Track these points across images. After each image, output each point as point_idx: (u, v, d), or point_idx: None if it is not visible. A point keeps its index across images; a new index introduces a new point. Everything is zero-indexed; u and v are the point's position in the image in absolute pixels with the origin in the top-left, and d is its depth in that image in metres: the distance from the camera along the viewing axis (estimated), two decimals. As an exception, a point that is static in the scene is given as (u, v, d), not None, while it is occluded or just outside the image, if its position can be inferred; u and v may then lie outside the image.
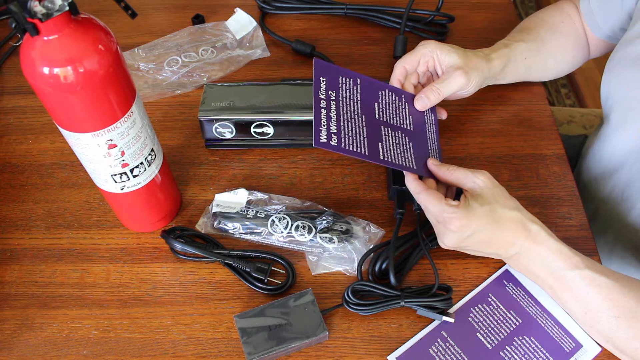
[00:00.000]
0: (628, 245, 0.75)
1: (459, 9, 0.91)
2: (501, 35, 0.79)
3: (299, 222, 0.66)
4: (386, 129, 0.64)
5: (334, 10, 0.89)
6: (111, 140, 0.53)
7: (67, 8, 0.44)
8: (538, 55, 0.76)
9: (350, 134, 0.60)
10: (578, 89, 1.90)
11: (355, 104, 0.63)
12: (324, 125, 0.58)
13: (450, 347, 0.60)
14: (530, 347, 0.60)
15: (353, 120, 0.62)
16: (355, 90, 0.64)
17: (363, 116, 0.63)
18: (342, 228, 0.66)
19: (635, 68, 0.66)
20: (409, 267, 0.64)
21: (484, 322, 0.61)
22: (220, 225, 0.66)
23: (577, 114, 1.03)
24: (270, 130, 0.72)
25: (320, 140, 0.57)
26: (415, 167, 0.63)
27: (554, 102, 1.89)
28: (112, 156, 0.55)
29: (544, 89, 0.81)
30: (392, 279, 0.60)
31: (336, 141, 0.58)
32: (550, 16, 0.79)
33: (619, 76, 0.69)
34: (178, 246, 0.65)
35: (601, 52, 0.81)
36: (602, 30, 0.76)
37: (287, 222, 0.66)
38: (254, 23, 0.88)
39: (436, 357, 0.59)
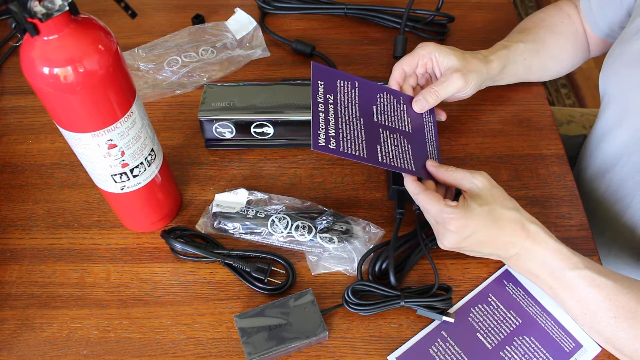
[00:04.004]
0: (625, 245, 0.75)
1: (459, 9, 0.91)
2: (501, 35, 0.79)
3: (299, 222, 0.66)
4: (385, 131, 0.64)
5: (334, 10, 0.89)
6: (111, 140, 0.53)
7: (67, 8, 0.44)
8: (537, 55, 0.76)
9: (348, 137, 0.60)
10: (578, 89, 1.90)
11: (353, 107, 0.63)
12: (322, 129, 0.59)
13: (450, 347, 0.60)
14: (530, 347, 0.60)
15: (351, 123, 0.62)
16: (353, 93, 0.64)
17: (361, 119, 0.63)
18: (342, 228, 0.66)
19: (634, 67, 0.65)
20: (409, 267, 0.64)
21: (484, 322, 0.61)
22: (220, 225, 0.67)
23: (577, 114, 1.03)
24: (270, 130, 0.72)
25: (319, 144, 0.57)
26: (414, 169, 0.63)
27: (554, 102, 1.89)
28: (112, 156, 0.55)
29: (544, 89, 0.81)
30: (392, 279, 0.60)
31: (335, 144, 0.58)
32: (549, 16, 0.79)
33: (617, 74, 0.68)
34: (178, 246, 0.65)
35: (601, 50, 0.81)
36: (601, 28, 0.76)
37: (287, 222, 0.66)
38: (254, 23, 0.88)
39: (436, 357, 0.59)
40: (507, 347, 0.60)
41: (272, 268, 0.64)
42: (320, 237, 0.65)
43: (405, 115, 0.68)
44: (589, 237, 0.67)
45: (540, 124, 0.78)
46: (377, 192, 0.71)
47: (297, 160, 0.74)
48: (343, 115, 0.62)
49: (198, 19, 0.89)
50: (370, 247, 0.64)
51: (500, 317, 0.62)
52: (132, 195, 0.61)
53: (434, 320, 0.61)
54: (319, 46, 0.86)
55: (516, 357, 0.59)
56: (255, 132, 0.72)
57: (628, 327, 0.55)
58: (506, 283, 0.64)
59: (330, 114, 0.60)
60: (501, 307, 0.62)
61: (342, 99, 0.63)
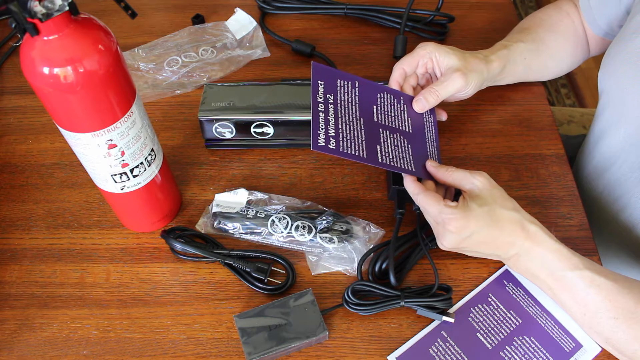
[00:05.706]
0: (623, 243, 0.75)
1: (459, 9, 0.91)
2: (501, 35, 0.79)
3: (299, 222, 0.66)
4: (384, 131, 0.64)
5: (334, 10, 0.89)
6: (111, 140, 0.53)
7: (67, 8, 0.44)
8: (537, 55, 0.76)
9: (348, 137, 0.60)
10: (578, 89, 1.90)
11: (353, 107, 0.63)
12: (322, 129, 0.58)
13: (450, 347, 0.60)
14: (530, 347, 0.60)
15: (351, 123, 0.62)
16: (353, 93, 0.64)
17: (361, 119, 0.63)
18: (342, 228, 0.66)
19: (632, 65, 0.65)
20: (409, 267, 0.64)
21: (484, 322, 0.61)
22: (220, 225, 0.67)
23: (577, 114, 1.03)
24: (270, 130, 0.72)
25: (319, 144, 0.57)
26: (413, 169, 0.63)
27: (554, 102, 1.89)
28: (112, 156, 0.55)
29: (544, 89, 0.81)
30: (392, 279, 0.60)
31: (334, 144, 0.58)
32: (549, 15, 0.79)
33: (615, 72, 0.68)
34: (178, 246, 0.65)
35: (600, 49, 0.81)
36: (600, 27, 0.76)
37: (287, 222, 0.66)
38: (254, 23, 0.88)
39: (436, 357, 0.59)
40: (507, 347, 0.60)
41: (272, 268, 0.64)
42: (320, 237, 0.65)
43: (406, 115, 0.68)
44: (589, 237, 0.67)
45: (540, 124, 0.78)
46: (377, 192, 0.71)
47: (297, 160, 0.74)
48: (343, 115, 0.62)
49: (198, 19, 0.89)
50: (370, 247, 0.64)
51: (500, 317, 0.62)
52: (132, 195, 0.61)
53: (434, 320, 0.61)
54: (319, 46, 0.86)
55: (516, 357, 0.59)
56: (255, 132, 0.72)
57: (627, 328, 0.55)
58: (506, 283, 0.64)
59: (330, 114, 0.60)
60: (501, 307, 0.62)
61: (342, 99, 0.63)
